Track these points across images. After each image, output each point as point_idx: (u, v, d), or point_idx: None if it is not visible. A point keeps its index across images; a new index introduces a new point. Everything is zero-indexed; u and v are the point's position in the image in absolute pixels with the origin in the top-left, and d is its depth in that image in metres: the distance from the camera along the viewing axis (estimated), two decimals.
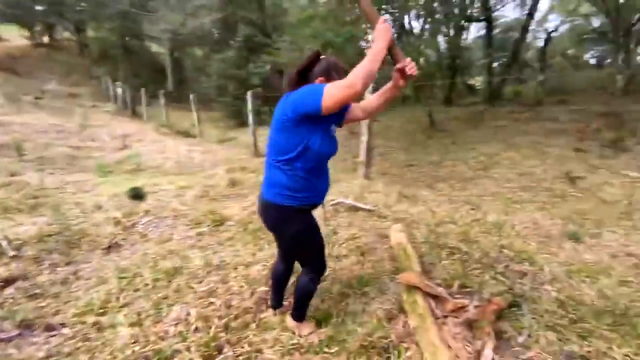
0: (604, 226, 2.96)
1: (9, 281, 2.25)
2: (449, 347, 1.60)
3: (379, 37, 1.27)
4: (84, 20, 19.25)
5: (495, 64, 16.30)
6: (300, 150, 1.35)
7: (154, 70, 21.93)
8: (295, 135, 1.34)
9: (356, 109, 1.65)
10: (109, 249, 2.79)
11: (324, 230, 2.95)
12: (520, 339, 1.73)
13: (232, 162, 5.83)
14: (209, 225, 3.16)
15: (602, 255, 2.48)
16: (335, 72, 1.38)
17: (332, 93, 1.20)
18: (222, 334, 1.75)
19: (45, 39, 23.03)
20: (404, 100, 14.70)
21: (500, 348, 1.68)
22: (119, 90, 14.88)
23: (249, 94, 6.33)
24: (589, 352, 1.63)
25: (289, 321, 1.81)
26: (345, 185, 4.02)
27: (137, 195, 3.78)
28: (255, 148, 6.57)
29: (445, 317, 1.82)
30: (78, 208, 3.47)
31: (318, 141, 1.35)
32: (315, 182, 1.46)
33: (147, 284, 2.24)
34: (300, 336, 1.74)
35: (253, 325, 1.85)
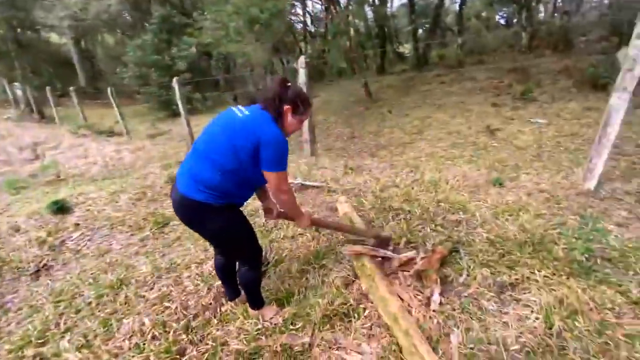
0: (520, 170, 3.39)
1: None
2: (401, 298, 1.75)
3: (303, 220, 1.72)
4: None
5: (420, 31, 17.06)
6: (241, 170, 1.41)
7: (59, 64, 19.08)
8: (245, 160, 1.39)
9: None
10: (37, 273, 2.49)
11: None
12: (461, 279, 1.95)
13: (167, 158, 5.44)
14: (151, 229, 2.96)
15: (520, 195, 2.84)
16: (300, 102, 1.48)
17: (276, 181, 1.43)
18: (183, 336, 1.69)
19: None
20: (340, 74, 14.83)
21: (446, 290, 1.87)
22: (19, 92, 12.74)
23: (175, 81, 5.84)
24: (516, 279, 1.90)
25: (251, 311, 1.81)
26: (293, 166, 4.01)
27: (61, 208, 3.37)
28: (191, 138, 6.18)
29: (396, 272, 1.97)
30: None
31: (257, 174, 1.45)
32: (243, 192, 1.53)
33: (89, 303, 2.06)
34: (265, 321, 1.76)
35: (215, 321, 1.81)
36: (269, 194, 1.77)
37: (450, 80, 8.61)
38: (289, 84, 1.49)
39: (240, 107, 1.50)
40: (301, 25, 15.80)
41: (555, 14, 12.18)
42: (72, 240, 2.92)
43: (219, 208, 1.42)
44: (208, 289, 2.03)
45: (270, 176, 1.41)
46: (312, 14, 16.10)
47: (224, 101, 13.03)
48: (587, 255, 1.97)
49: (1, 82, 14.90)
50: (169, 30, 11.34)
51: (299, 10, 15.10)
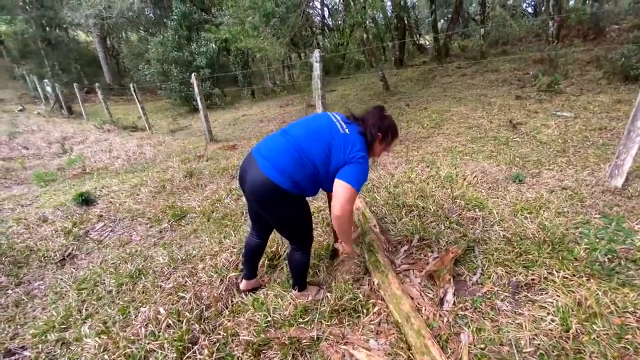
0: (542, 166, 3.24)
1: None
2: (411, 297, 1.73)
3: (348, 249, 1.78)
4: None
5: (441, 21, 16.52)
6: (323, 175, 1.49)
7: (86, 62, 19.85)
8: (331, 171, 1.48)
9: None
10: (63, 261, 2.63)
11: None
12: (475, 278, 1.90)
13: (186, 152, 5.57)
14: (169, 221, 3.06)
15: (541, 192, 2.73)
16: (391, 135, 1.63)
17: (344, 193, 1.43)
18: (196, 326, 1.74)
19: None
20: (357, 67, 14.63)
21: (459, 290, 1.83)
22: (49, 89, 13.38)
23: (193, 77, 5.95)
24: (533, 279, 1.84)
25: (295, 294, 1.87)
26: None
27: (86, 200, 3.53)
28: (210, 134, 6.30)
29: (407, 270, 1.95)
30: (20, 224, 3.19)
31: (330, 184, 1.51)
32: (315, 190, 1.58)
33: (110, 291, 2.16)
34: (314, 300, 1.84)
35: (226, 312, 1.86)
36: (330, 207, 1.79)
37: (472, 72, 8.31)
38: (387, 113, 1.64)
39: (339, 118, 1.58)
40: (319, 18, 15.69)
41: (586, 1, 11.48)
42: (95, 231, 3.06)
43: (295, 197, 1.49)
44: (221, 280, 2.08)
45: (341, 186, 1.43)
46: (329, 7, 15.95)
47: (242, 96, 13.19)
48: (609, 256, 1.88)
49: (32, 79, 15.69)
50: (188, 27, 11.52)
51: (317, 4, 15.00)
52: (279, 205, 1.49)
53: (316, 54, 3.75)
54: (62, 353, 1.72)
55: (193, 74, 6.05)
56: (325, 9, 15.84)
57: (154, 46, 11.19)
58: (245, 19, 5.98)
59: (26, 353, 1.78)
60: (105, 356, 1.60)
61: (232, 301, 1.94)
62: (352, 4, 7.34)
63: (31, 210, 3.55)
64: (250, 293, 1.97)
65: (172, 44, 11.03)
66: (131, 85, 8.09)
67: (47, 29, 17.40)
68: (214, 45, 11.55)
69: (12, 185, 4.72)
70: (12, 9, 16.86)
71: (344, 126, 1.52)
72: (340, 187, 1.43)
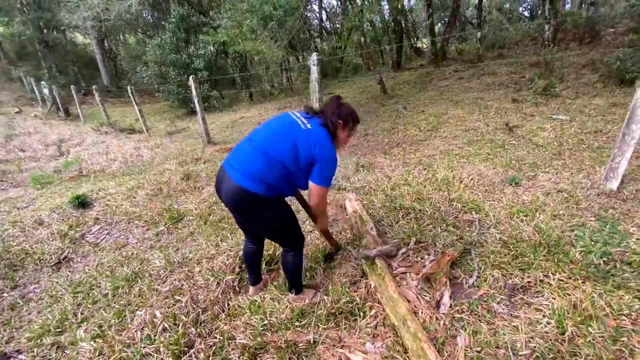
0: (538, 168, 3.26)
1: None
2: (407, 300, 1.73)
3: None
4: None
5: (438, 25, 16.62)
6: (294, 173, 1.53)
7: (84, 64, 19.82)
8: (301, 167, 1.53)
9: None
10: (58, 264, 2.62)
11: None
12: (471, 281, 1.91)
13: (184, 155, 5.56)
14: (166, 224, 3.05)
15: (537, 195, 2.74)
16: (351, 119, 1.68)
17: (318, 193, 1.59)
18: (192, 329, 1.74)
19: None
20: (355, 70, 14.69)
21: (455, 293, 1.84)
22: (46, 91, 13.33)
23: (191, 80, 5.95)
24: (529, 282, 1.84)
25: (292, 298, 1.87)
26: None
27: (82, 203, 3.52)
28: (207, 136, 6.30)
29: (403, 274, 1.95)
30: (16, 227, 3.17)
31: (305, 180, 1.59)
32: (290, 189, 1.63)
33: (106, 294, 2.15)
34: (312, 303, 1.83)
35: (223, 315, 1.85)
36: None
37: (469, 76, 8.36)
38: (343, 102, 1.69)
39: (299, 115, 1.63)
40: (317, 22, 15.75)
41: (582, 5, 11.59)
42: (91, 234, 3.05)
43: (271, 199, 1.52)
44: (217, 283, 2.07)
45: (315, 188, 1.57)
46: (327, 10, 16.03)
47: (240, 99, 13.19)
48: (605, 259, 1.89)
49: (29, 81, 15.65)
50: (186, 29, 11.53)
51: (315, 7, 15.06)
52: (257, 210, 1.52)
53: (314, 57, 3.77)
54: (58, 357, 1.71)
55: (191, 76, 6.05)
56: (324, 12, 15.92)
57: (151, 48, 11.19)
58: (243, 22, 5.99)
59: (21, 357, 1.77)
60: None
61: (228, 304, 1.94)
62: (349, 7, 7.38)
63: (27, 212, 3.53)
64: (247, 297, 1.96)
65: (170, 46, 11.03)
66: (129, 88, 8.08)
67: (45, 30, 17.38)
68: (212, 48, 11.58)
69: (8, 187, 4.70)
70: (9, 10, 16.82)
71: (305, 122, 1.58)
72: (313, 188, 1.57)
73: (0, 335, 1.93)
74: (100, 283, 2.29)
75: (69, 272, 2.52)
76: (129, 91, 8.01)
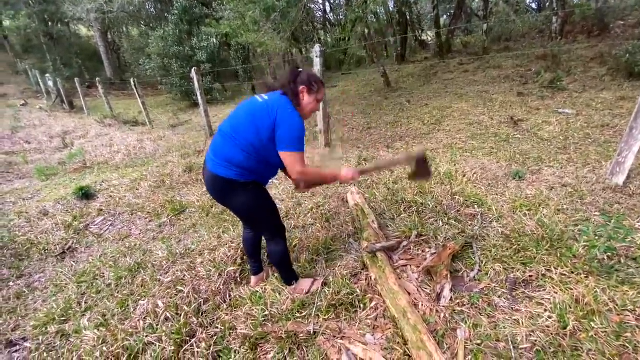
0: (542, 163, 3.22)
1: None
2: (408, 293, 1.73)
3: (345, 178, 1.66)
4: None
5: (444, 17, 16.37)
6: (262, 149, 1.50)
7: (87, 57, 19.80)
8: (265, 139, 1.48)
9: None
10: (63, 254, 2.64)
11: (288, 203, 2.97)
12: (472, 274, 1.90)
13: (186, 147, 5.57)
14: (169, 215, 3.07)
15: (541, 189, 2.72)
16: (314, 82, 1.58)
17: (290, 161, 1.47)
18: (194, 319, 1.75)
19: None
20: (359, 63, 14.54)
21: (456, 286, 1.83)
22: (51, 84, 13.36)
23: (193, 72, 5.93)
24: (530, 276, 1.83)
25: (290, 289, 1.88)
26: (306, 156, 4.01)
27: (86, 194, 3.54)
28: (210, 129, 6.30)
29: (404, 266, 1.95)
30: (21, 218, 3.21)
31: (277, 159, 1.54)
32: (266, 171, 1.61)
33: (109, 284, 2.18)
34: (307, 293, 1.84)
35: (224, 306, 1.87)
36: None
37: (474, 69, 8.25)
38: (300, 69, 1.62)
39: (262, 94, 1.61)
40: (320, 13, 15.57)
41: None
42: (95, 225, 3.07)
43: (243, 184, 1.53)
44: (219, 274, 2.08)
45: (285, 156, 1.48)
46: (331, 1, 15.82)
47: (243, 91, 13.14)
48: (609, 254, 1.87)
49: (34, 74, 15.69)
50: (189, 21, 11.46)
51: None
52: (233, 196, 1.55)
53: (317, 48, 3.73)
54: (62, 344, 1.74)
55: (193, 68, 6.03)
56: (327, 3, 15.73)
57: (154, 41, 11.14)
58: (246, 14, 5.94)
59: (27, 344, 1.80)
60: (104, 348, 1.61)
61: (230, 295, 1.95)
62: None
63: (32, 203, 3.57)
64: (249, 288, 1.97)
65: (172, 38, 10.98)
66: (132, 80, 8.07)
67: (50, 23, 17.36)
68: (214, 40, 11.49)
69: (14, 179, 4.74)
70: (15, 3, 16.81)
71: (264, 96, 1.56)
72: (284, 157, 1.48)
73: (7, 324, 1.96)
74: (103, 273, 2.31)
75: (73, 262, 2.54)
76: (132, 84, 8.01)
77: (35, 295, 2.20)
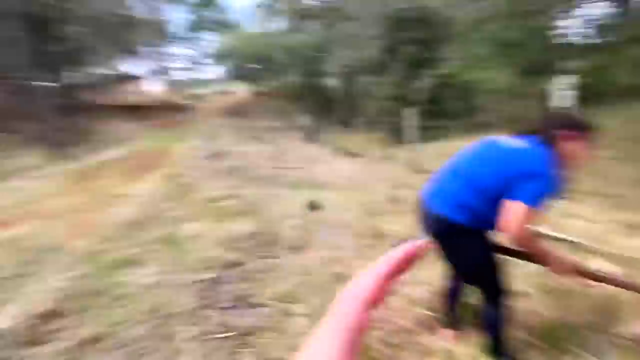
0: None
1: (234, 264, 3.08)
2: None
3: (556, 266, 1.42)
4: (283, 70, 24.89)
5: None
6: (498, 202, 1.35)
7: (326, 100, 25.55)
8: (507, 192, 1.33)
9: None
10: (295, 249, 3.38)
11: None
12: None
13: (394, 180, 5.94)
14: (370, 238, 3.33)
15: None
16: (574, 124, 1.41)
17: (514, 212, 1.27)
18: (379, 346, 1.77)
19: (260, 89, 30.86)
20: (630, 94, 10.79)
21: None
22: (304, 122, 18.12)
23: (406, 112, 6.36)
24: None
25: None
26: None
27: (314, 206, 4.45)
28: (414, 164, 6.46)
29: None
30: (274, 215, 4.40)
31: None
32: (493, 218, 1.40)
33: (318, 285, 2.58)
34: None
35: (410, 347, 1.78)
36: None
37: None
38: (554, 113, 1.38)
39: (506, 138, 1.49)
40: (566, 37, 12.87)
41: None
42: (318, 232, 3.77)
43: (472, 231, 1.43)
44: (411, 313, 2.02)
45: (511, 204, 1.28)
46: (586, 22, 12.77)
47: (459, 129, 12.72)
48: None
49: (296, 115, 21.79)
50: (412, 65, 12.48)
51: (565, 21, 12.36)
52: (457, 241, 1.44)
53: (567, 80, 3.08)
54: (282, 320, 2.19)
55: (406, 109, 6.44)
56: (579, 25, 12.80)
57: (379, 86, 12.82)
58: (477, 52, 5.78)
59: (264, 310, 2.38)
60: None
61: (417, 339, 1.84)
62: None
63: (283, 206, 4.82)
64: (441, 340, 1.79)
65: (395, 83, 12.26)
66: (356, 119, 9.61)
67: (309, 78, 23.86)
68: (433, 80, 11.87)
69: (277, 187, 6.62)
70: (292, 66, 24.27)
71: (515, 142, 1.41)
72: (511, 206, 1.27)
73: (253, 289, 2.68)
74: (317, 273, 2.77)
75: (300, 257, 3.18)
76: (357, 122, 9.52)
77: (276, 274, 2.89)
